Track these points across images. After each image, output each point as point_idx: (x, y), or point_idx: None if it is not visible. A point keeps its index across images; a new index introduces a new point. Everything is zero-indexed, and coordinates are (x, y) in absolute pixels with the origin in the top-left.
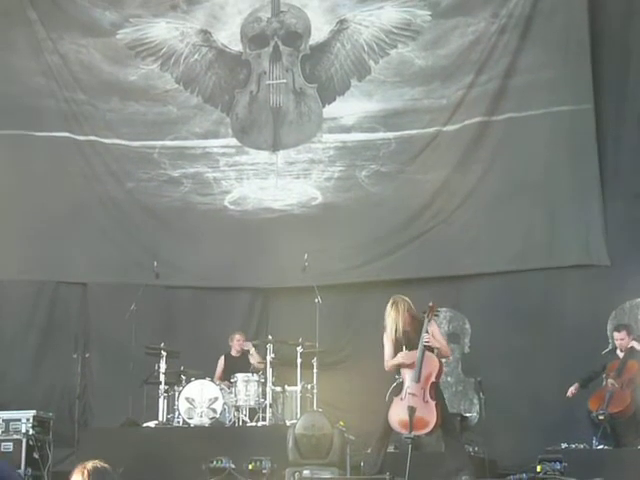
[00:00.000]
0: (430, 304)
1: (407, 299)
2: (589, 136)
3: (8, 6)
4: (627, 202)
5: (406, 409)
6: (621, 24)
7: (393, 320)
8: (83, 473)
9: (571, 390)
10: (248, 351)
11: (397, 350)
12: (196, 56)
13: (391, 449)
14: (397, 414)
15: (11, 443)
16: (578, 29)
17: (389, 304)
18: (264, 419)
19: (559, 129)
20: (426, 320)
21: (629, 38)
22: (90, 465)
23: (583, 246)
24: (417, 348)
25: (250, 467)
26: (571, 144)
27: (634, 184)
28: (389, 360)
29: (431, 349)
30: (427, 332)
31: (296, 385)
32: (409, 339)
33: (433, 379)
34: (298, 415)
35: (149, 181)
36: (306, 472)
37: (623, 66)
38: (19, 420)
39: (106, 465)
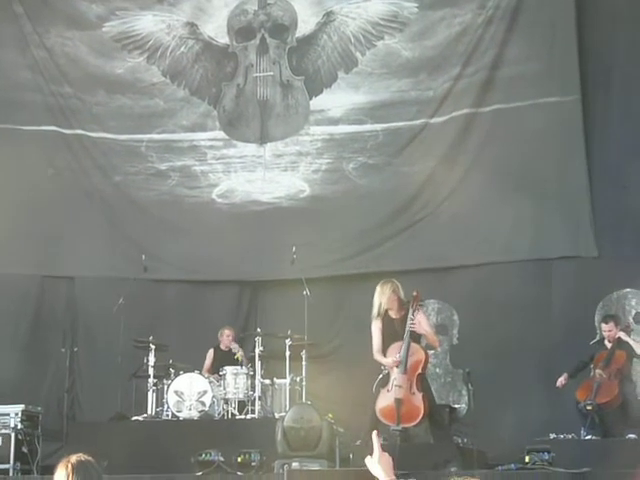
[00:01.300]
0: (414, 293)
1: (396, 282)
2: (576, 127)
3: None
4: (614, 194)
5: (393, 401)
6: (608, 16)
7: (378, 296)
8: (67, 467)
9: (560, 380)
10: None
11: (384, 333)
12: (183, 49)
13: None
14: (384, 406)
15: (0, 438)
16: (565, 20)
17: (378, 284)
18: (253, 412)
19: (546, 120)
20: (411, 309)
21: (616, 29)
22: (74, 459)
23: (571, 237)
24: (403, 339)
25: (239, 460)
26: (559, 135)
27: (621, 175)
28: (377, 352)
29: (417, 336)
30: (412, 319)
31: (285, 378)
32: (396, 329)
33: (419, 370)
34: (287, 407)
35: (136, 174)
36: (295, 464)
37: (610, 57)
38: (7, 415)
39: (90, 458)
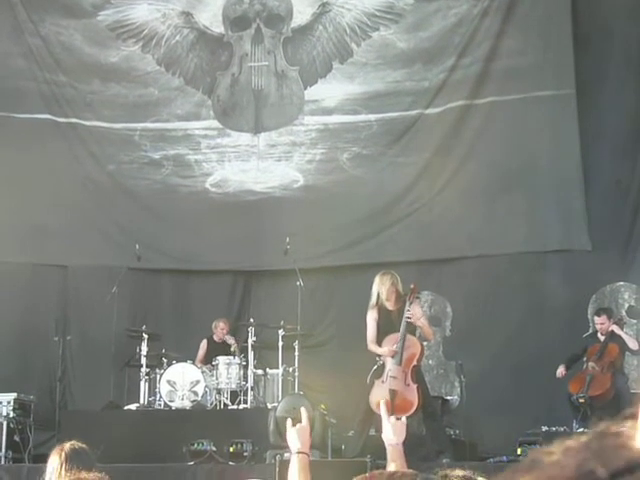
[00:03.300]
0: (411, 286)
1: (395, 274)
2: (571, 121)
3: None
4: (608, 187)
5: (387, 392)
6: (604, 9)
7: (377, 287)
8: (60, 455)
9: (561, 371)
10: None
11: (380, 325)
12: (177, 38)
13: (372, 432)
14: (378, 397)
15: None
16: (561, 13)
17: (378, 275)
18: (245, 402)
19: (541, 114)
20: (408, 302)
21: (612, 23)
22: (67, 446)
23: (565, 231)
24: (399, 330)
25: (231, 449)
26: (553, 129)
27: (615, 170)
28: (371, 342)
29: (413, 328)
30: (409, 310)
31: (277, 368)
32: (392, 320)
33: (415, 362)
34: (279, 398)
35: (130, 163)
36: (287, 454)
37: (606, 52)
38: (0, 403)
39: (83, 445)
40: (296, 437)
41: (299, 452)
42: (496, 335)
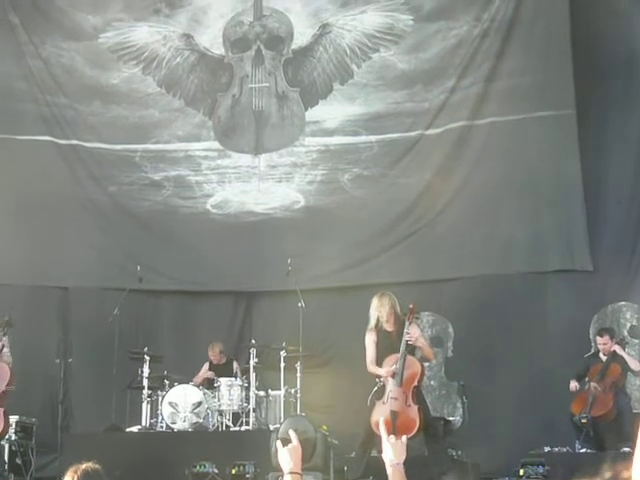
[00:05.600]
0: (410, 306)
1: (393, 295)
2: (571, 142)
3: None
4: (609, 208)
5: (388, 413)
6: (604, 28)
7: (376, 309)
8: (73, 477)
9: (574, 385)
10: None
11: (379, 346)
12: (178, 59)
13: (374, 453)
14: (379, 418)
15: None
16: (560, 34)
17: (375, 296)
18: (247, 423)
19: (541, 134)
20: (407, 322)
21: (612, 43)
22: (82, 467)
23: (566, 251)
24: (399, 351)
25: (233, 471)
26: (553, 149)
27: (616, 190)
28: (371, 364)
29: (413, 349)
30: (408, 332)
31: (279, 389)
32: (392, 342)
33: (415, 383)
34: (281, 419)
35: (131, 185)
36: None
37: (607, 71)
38: None
39: (98, 467)
40: (288, 457)
41: (292, 472)
42: (498, 356)
